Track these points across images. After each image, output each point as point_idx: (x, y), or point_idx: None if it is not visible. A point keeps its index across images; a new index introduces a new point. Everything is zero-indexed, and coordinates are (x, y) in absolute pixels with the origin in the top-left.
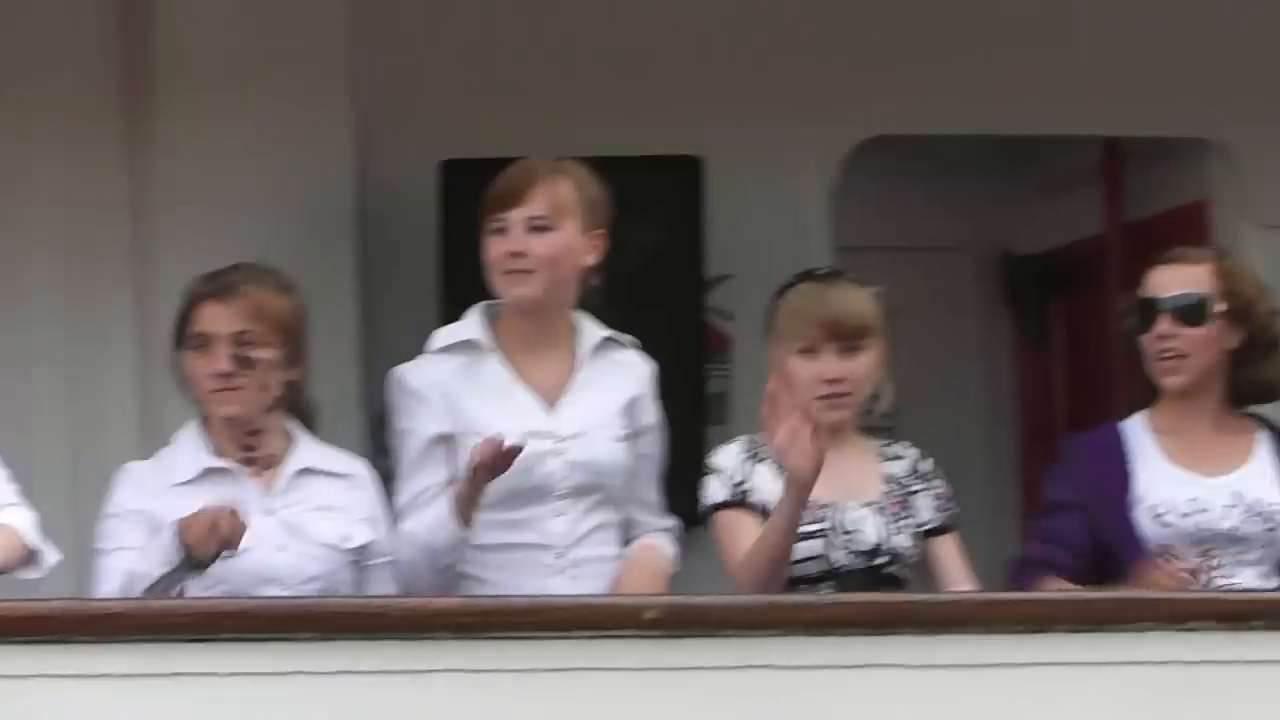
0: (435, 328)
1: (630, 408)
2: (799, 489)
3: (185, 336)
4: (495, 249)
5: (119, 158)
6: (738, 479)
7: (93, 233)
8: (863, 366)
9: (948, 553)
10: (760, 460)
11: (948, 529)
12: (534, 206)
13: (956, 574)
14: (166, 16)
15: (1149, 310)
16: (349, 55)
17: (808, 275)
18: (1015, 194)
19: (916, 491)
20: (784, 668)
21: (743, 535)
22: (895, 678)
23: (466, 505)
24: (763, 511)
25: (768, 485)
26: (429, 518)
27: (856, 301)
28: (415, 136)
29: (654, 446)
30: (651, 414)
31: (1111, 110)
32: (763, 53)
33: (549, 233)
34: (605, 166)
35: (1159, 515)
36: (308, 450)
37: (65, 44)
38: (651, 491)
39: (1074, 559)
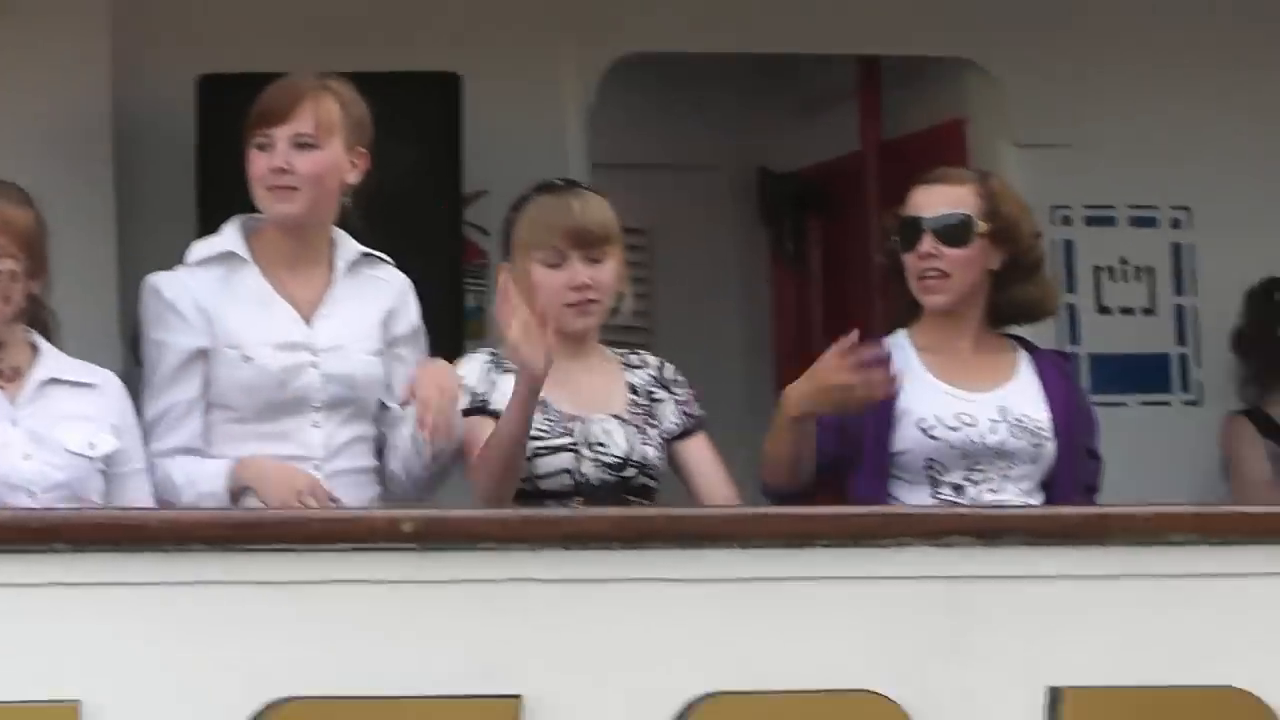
0: (194, 240)
1: (387, 321)
2: (529, 382)
3: None
4: (259, 165)
5: None
6: (480, 389)
7: None
8: (608, 273)
9: (699, 455)
10: (504, 370)
11: (695, 431)
12: (300, 124)
13: (711, 474)
14: None
15: (911, 230)
16: None
17: (546, 187)
18: (773, 112)
19: (660, 400)
20: (541, 580)
21: (481, 441)
22: (653, 591)
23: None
24: None
25: (509, 394)
26: (198, 476)
27: (599, 210)
28: (173, 52)
29: (417, 352)
30: (410, 323)
31: (868, 29)
32: None
33: (314, 150)
34: (364, 83)
35: (927, 429)
36: (53, 361)
37: None
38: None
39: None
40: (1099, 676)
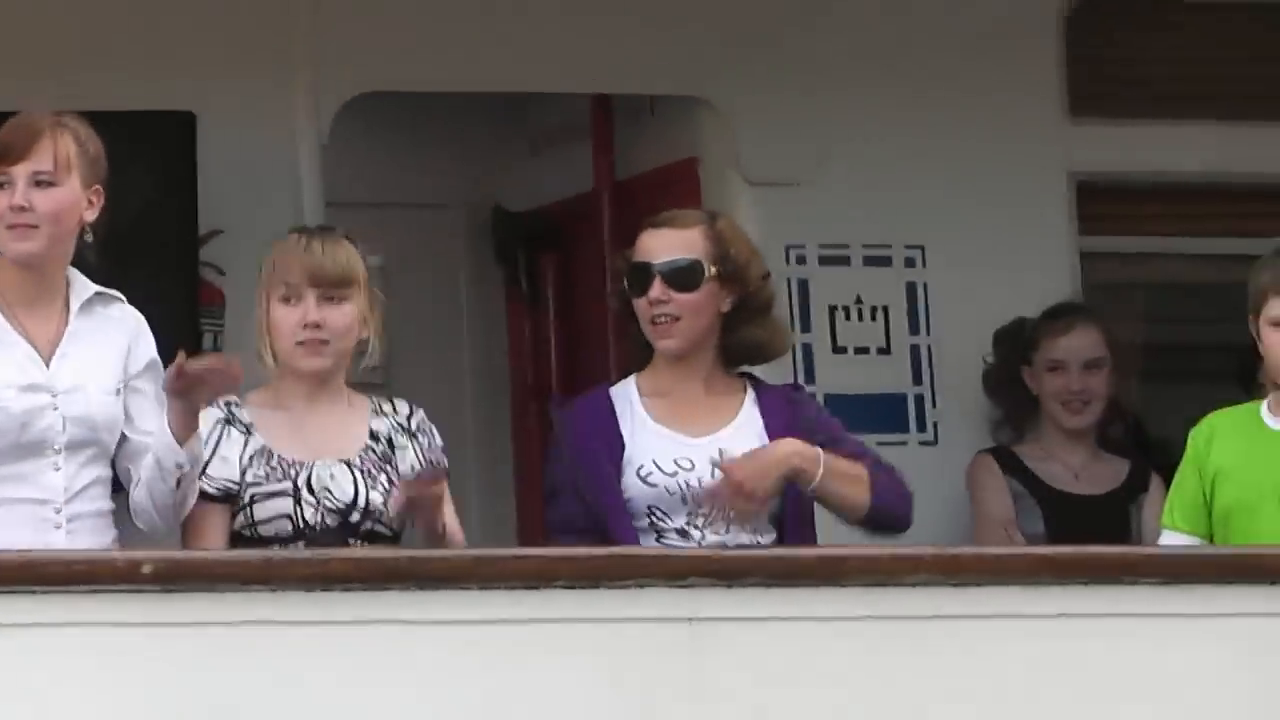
0: None
1: (125, 358)
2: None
3: None
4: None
5: None
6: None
7: None
8: (344, 315)
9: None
10: (233, 428)
11: (440, 470)
12: (39, 161)
13: (443, 526)
14: None
15: (641, 274)
16: None
17: (297, 229)
18: (507, 150)
19: (403, 447)
20: (278, 623)
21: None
22: (394, 632)
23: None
24: None
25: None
26: None
27: (339, 252)
28: None
29: (154, 384)
30: (148, 355)
31: (599, 67)
32: (255, 7)
33: (53, 188)
34: (98, 120)
35: (644, 475)
36: None
37: None
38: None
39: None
40: (837, 718)
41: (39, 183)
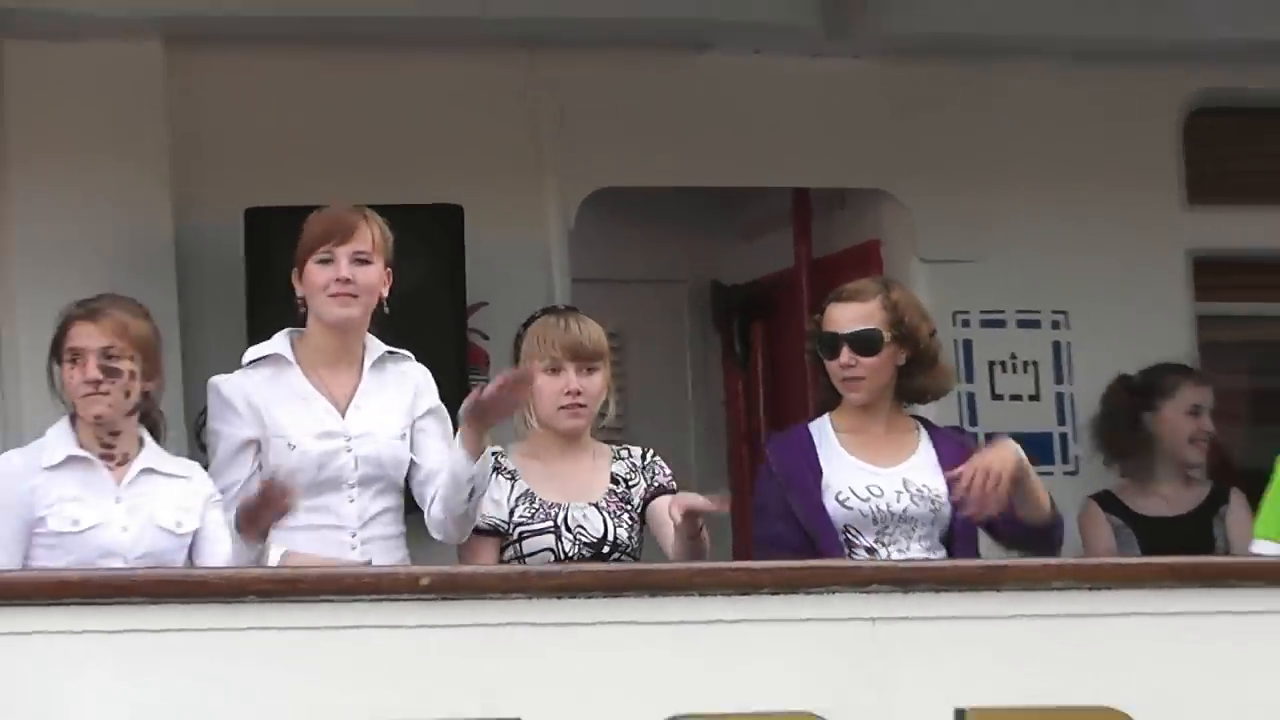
0: (244, 348)
1: (411, 405)
2: (470, 421)
3: (60, 351)
4: (323, 276)
5: None
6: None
7: None
8: (597, 384)
9: (663, 509)
10: (499, 475)
11: (667, 490)
12: (358, 243)
13: (669, 524)
14: (13, 97)
15: (831, 342)
16: (167, 125)
17: (549, 310)
18: (722, 235)
19: (635, 484)
20: (534, 624)
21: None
22: (626, 632)
23: (253, 530)
24: None
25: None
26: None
27: (592, 330)
28: (222, 189)
29: (441, 424)
30: (432, 401)
31: (800, 165)
32: (511, 118)
33: (368, 265)
34: (386, 212)
35: (842, 500)
36: (154, 453)
37: None
38: (436, 496)
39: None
40: (996, 699)
41: (358, 260)
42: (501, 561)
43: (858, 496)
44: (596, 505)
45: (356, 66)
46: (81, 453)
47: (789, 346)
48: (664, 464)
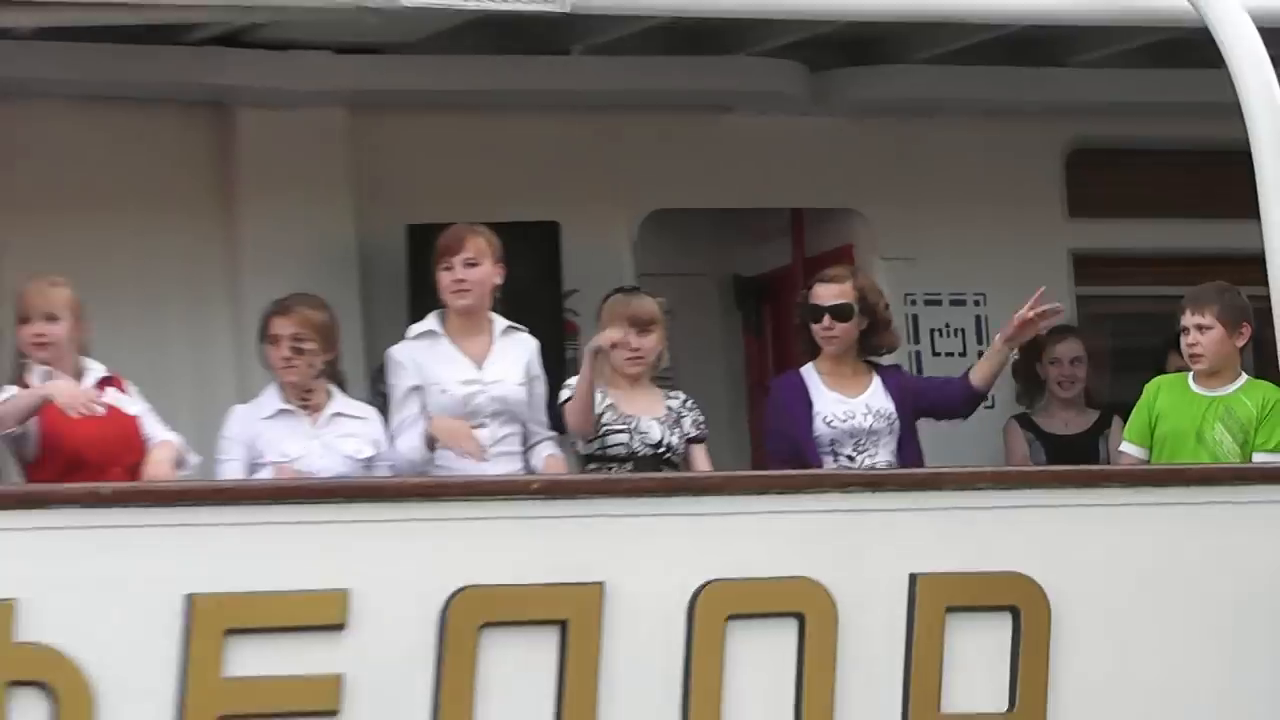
0: (407, 325)
1: (527, 365)
2: (593, 356)
3: (265, 336)
4: (445, 279)
5: (222, 241)
6: (569, 390)
7: (208, 282)
8: (651, 342)
9: (700, 455)
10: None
11: (701, 440)
12: (467, 252)
13: (704, 467)
14: (242, 149)
15: (816, 312)
16: (351, 167)
17: (618, 289)
18: (740, 240)
19: (684, 416)
20: (601, 516)
21: (570, 408)
22: (677, 521)
23: (430, 444)
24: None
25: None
26: (412, 444)
27: (647, 304)
28: (391, 211)
29: (542, 387)
30: (538, 368)
31: (797, 190)
32: (595, 157)
33: (477, 267)
34: (510, 228)
35: (828, 422)
36: (340, 401)
37: (182, 175)
38: (542, 414)
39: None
40: (940, 568)
41: (468, 264)
42: (585, 456)
43: (838, 419)
44: (657, 419)
45: (486, 126)
46: (286, 406)
47: (788, 319)
48: (698, 412)
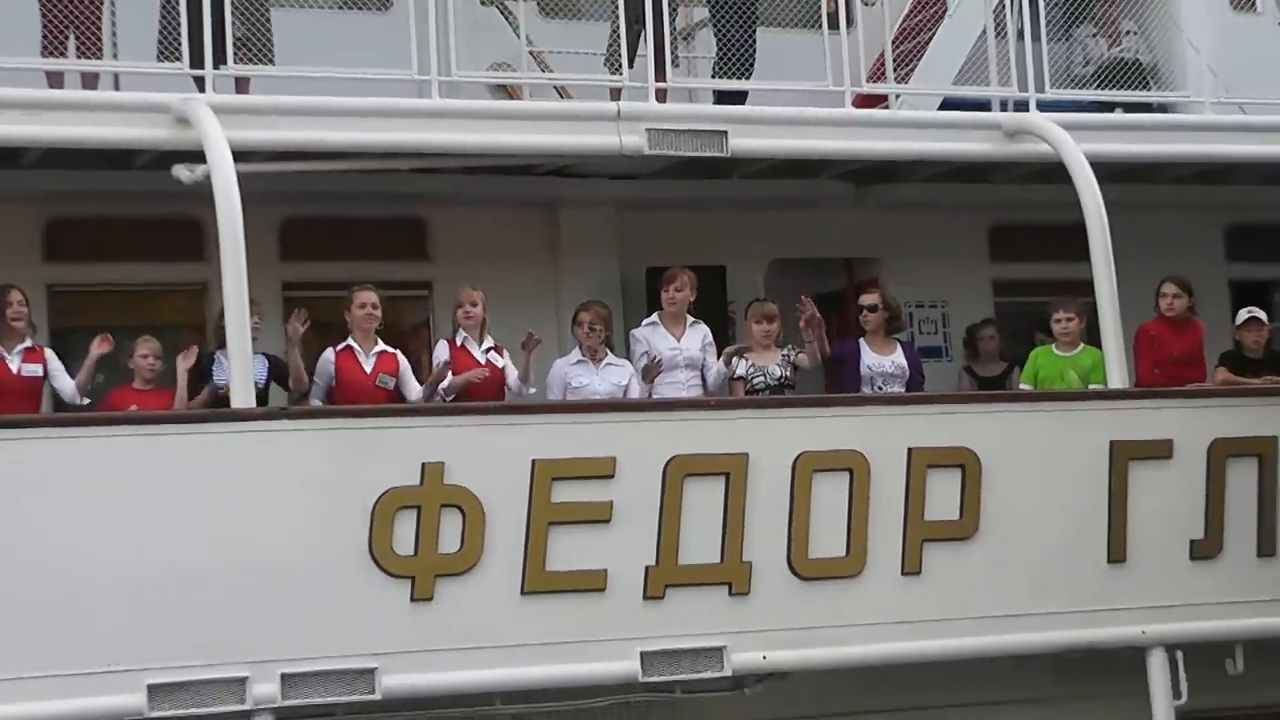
0: (642, 320)
1: (704, 340)
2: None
3: (574, 322)
4: (664, 297)
5: (552, 275)
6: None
7: (545, 295)
8: (774, 327)
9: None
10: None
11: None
12: (676, 284)
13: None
14: (564, 229)
15: (861, 309)
16: (618, 238)
17: (755, 300)
18: (820, 273)
19: (791, 359)
20: (745, 419)
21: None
22: (787, 421)
23: (647, 376)
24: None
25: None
26: (634, 380)
27: (770, 307)
28: (637, 258)
29: (713, 353)
30: (710, 341)
31: (848, 247)
32: (746, 230)
33: (680, 291)
34: (700, 267)
35: (871, 368)
36: (610, 356)
37: (533, 242)
38: (712, 365)
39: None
40: (928, 443)
41: (676, 289)
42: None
43: (875, 369)
44: (777, 364)
45: (689, 216)
46: (582, 358)
47: (846, 314)
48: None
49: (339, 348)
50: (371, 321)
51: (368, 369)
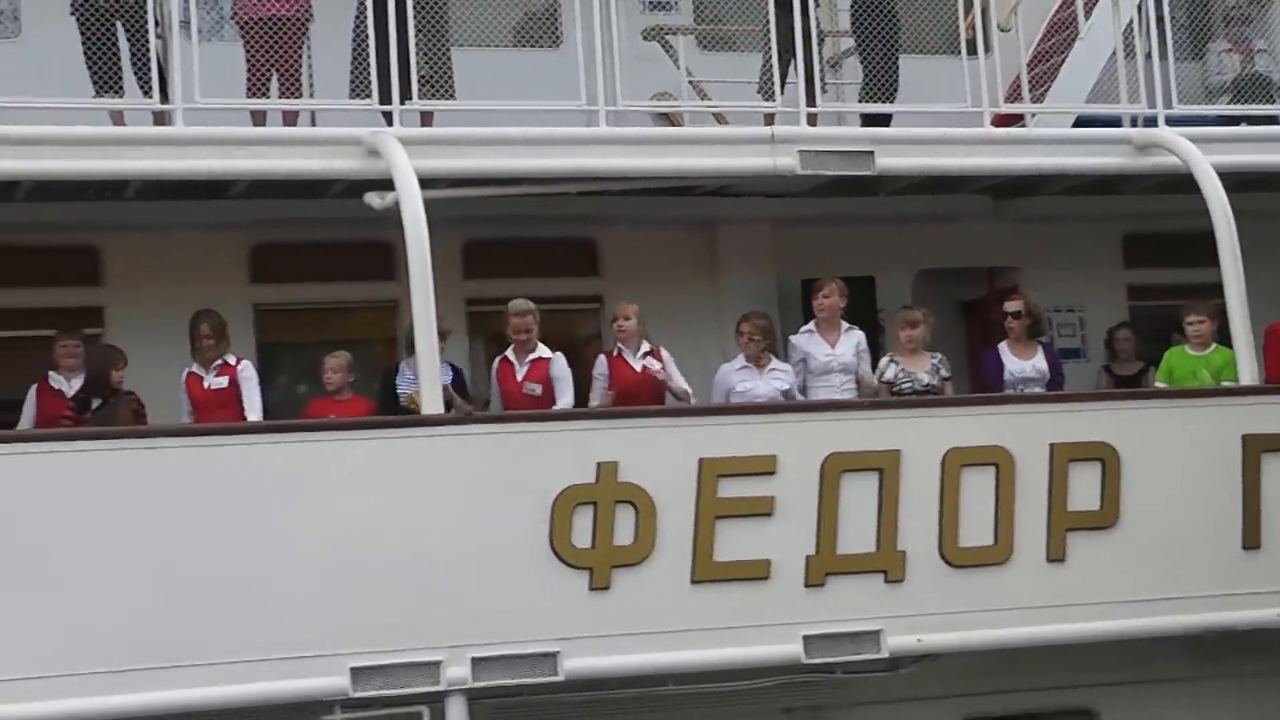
0: (799, 328)
1: (858, 346)
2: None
3: (737, 331)
4: (815, 305)
5: (712, 288)
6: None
7: (706, 309)
8: (920, 332)
9: (948, 389)
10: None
11: (948, 379)
12: (825, 291)
13: (950, 392)
14: (723, 247)
15: (1004, 315)
16: (774, 252)
17: (903, 306)
18: (962, 281)
19: (939, 368)
20: (894, 420)
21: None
22: (931, 420)
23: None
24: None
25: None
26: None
27: (916, 314)
28: (791, 274)
29: (867, 360)
30: (864, 347)
31: (990, 257)
32: (896, 243)
33: (830, 299)
34: (851, 279)
35: (1014, 372)
36: (774, 361)
37: (699, 259)
38: (868, 370)
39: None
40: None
41: (825, 297)
42: (893, 390)
43: (1016, 374)
44: (925, 371)
45: (841, 231)
46: (746, 365)
47: (986, 319)
48: (945, 366)
49: (499, 358)
50: (520, 333)
51: (519, 377)
